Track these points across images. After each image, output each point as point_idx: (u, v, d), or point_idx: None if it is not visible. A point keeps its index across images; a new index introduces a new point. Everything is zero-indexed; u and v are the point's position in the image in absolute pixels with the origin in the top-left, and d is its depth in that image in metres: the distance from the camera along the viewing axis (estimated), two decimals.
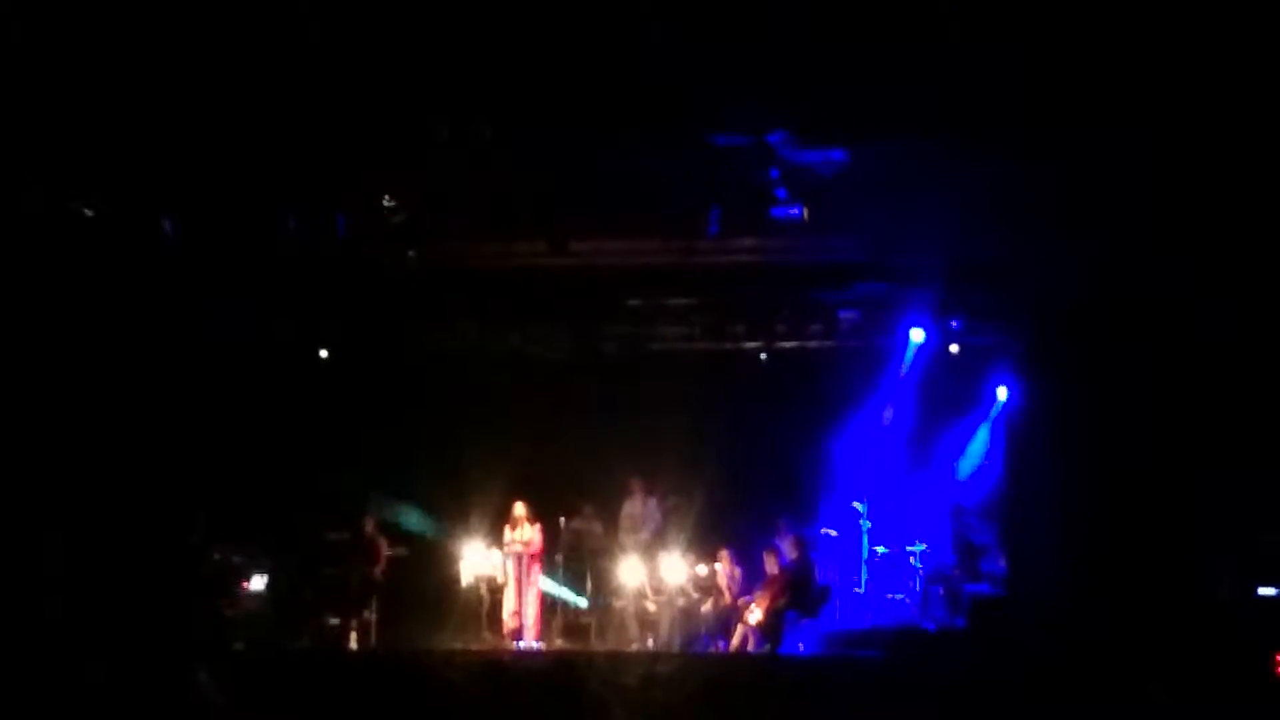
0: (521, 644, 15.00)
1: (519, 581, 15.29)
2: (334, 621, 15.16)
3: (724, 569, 15.55)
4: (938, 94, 11.12)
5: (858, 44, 10.61)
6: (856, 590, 15.94)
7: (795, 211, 12.98)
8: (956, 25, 10.11)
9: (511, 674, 12.02)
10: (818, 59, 10.73)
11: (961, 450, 16.76)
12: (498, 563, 15.41)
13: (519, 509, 15.47)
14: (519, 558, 15.30)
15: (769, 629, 14.30)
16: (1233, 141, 11.31)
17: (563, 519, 16.05)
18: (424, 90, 11.38)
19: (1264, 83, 10.64)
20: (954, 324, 15.83)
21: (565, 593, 15.83)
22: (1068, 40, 10.42)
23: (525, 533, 15.38)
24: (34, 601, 12.28)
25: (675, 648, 15.02)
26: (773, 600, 14.43)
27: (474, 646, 14.81)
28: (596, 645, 15.22)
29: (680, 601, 15.53)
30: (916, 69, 10.80)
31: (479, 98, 11.53)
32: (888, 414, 16.72)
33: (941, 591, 14.80)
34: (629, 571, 15.64)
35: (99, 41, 10.75)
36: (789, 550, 14.94)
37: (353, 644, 14.83)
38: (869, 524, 16.08)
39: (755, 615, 14.52)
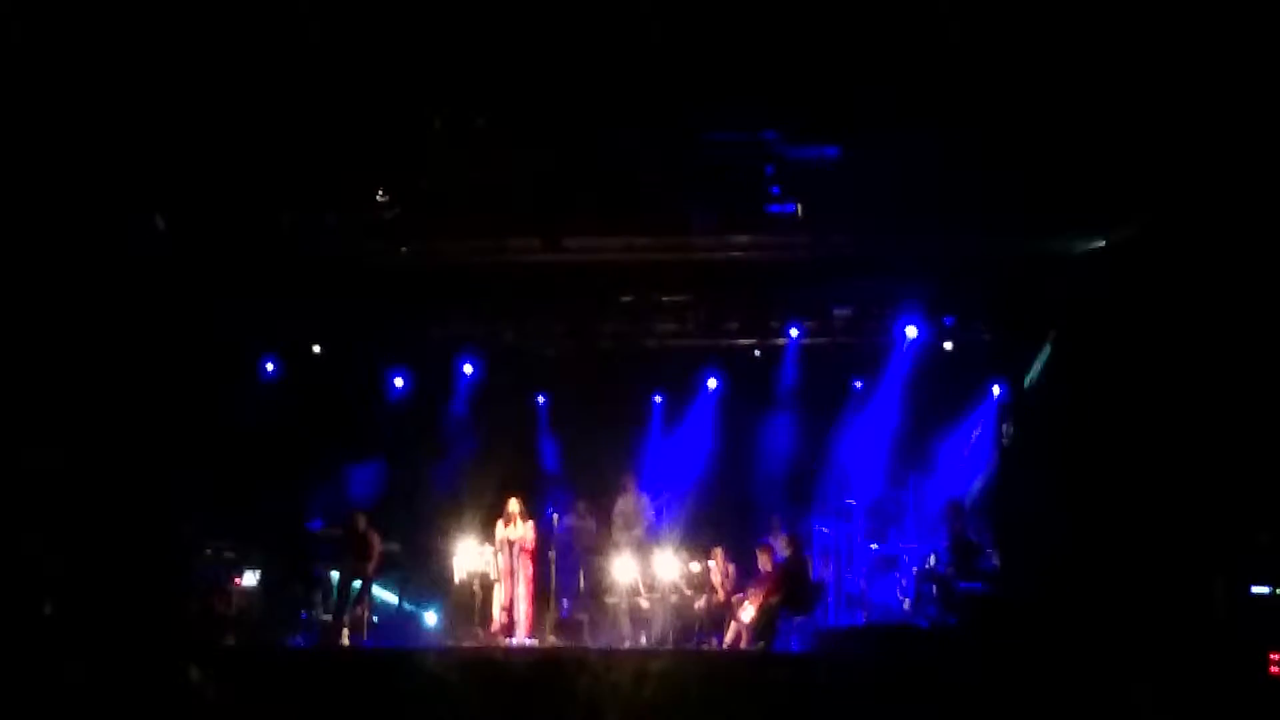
0: (514, 641, 14.97)
1: (510, 578, 15.26)
2: (326, 618, 15.15)
3: (717, 566, 15.54)
4: (932, 91, 11.12)
5: (851, 41, 10.61)
6: (850, 588, 15.91)
7: (790, 208, 12.97)
8: (953, 24, 10.11)
9: (504, 671, 12.00)
10: (812, 56, 10.73)
11: (956, 448, 16.75)
12: (490, 559, 15.37)
13: (513, 505, 15.45)
14: (512, 554, 15.27)
15: (762, 626, 14.29)
16: (1237, 143, 11.32)
17: (556, 515, 16.04)
18: (419, 85, 11.37)
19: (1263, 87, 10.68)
20: (947, 321, 15.84)
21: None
22: (1064, 39, 10.42)
23: (519, 529, 15.36)
24: (27, 600, 12.26)
25: (668, 644, 15.00)
26: (766, 597, 14.42)
27: (466, 643, 14.79)
28: (589, 642, 15.20)
29: (673, 598, 15.51)
30: (910, 66, 10.79)
31: (475, 95, 11.52)
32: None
33: (935, 589, 14.75)
34: (622, 568, 15.63)
35: (94, 38, 10.73)
36: (782, 547, 14.95)
37: (345, 640, 14.79)
38: (863, 521, 16.06)
39: (748, 612, 14.52)
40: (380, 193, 13.08)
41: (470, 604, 15.37)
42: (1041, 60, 10.81)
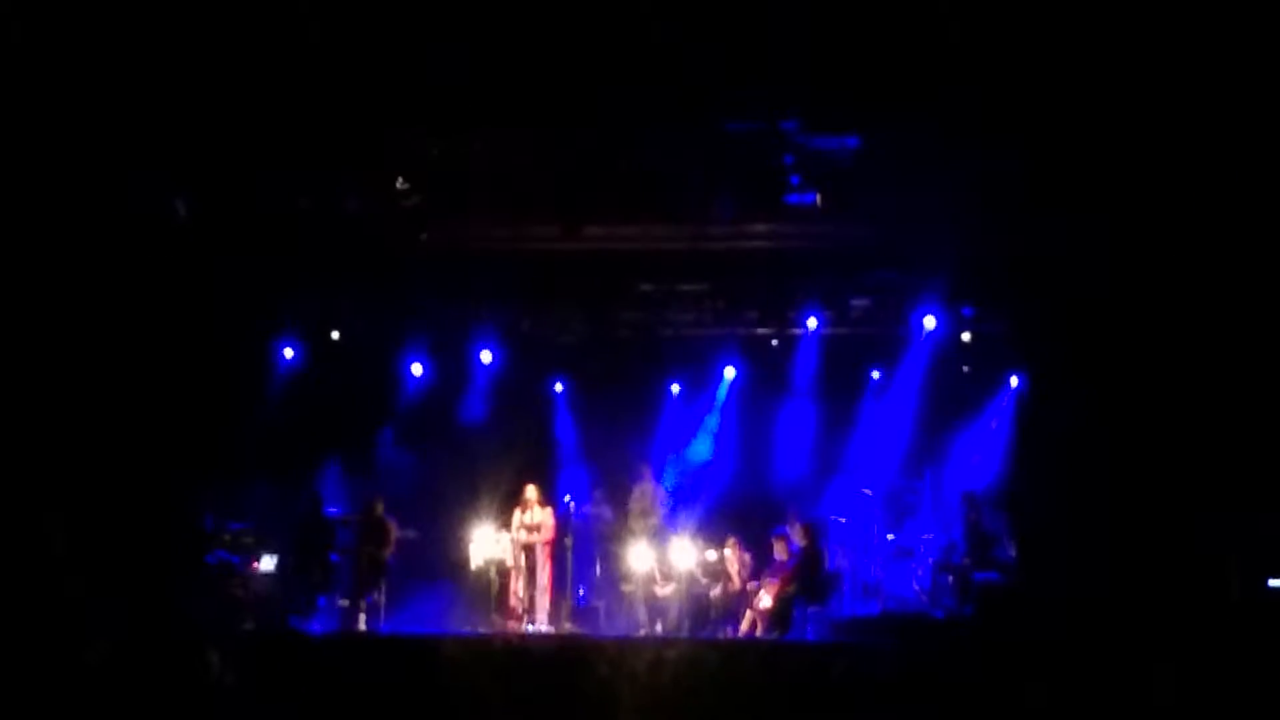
0: (531, 627, 15.01)
1: (529, 565, 15.30)
2: (344, 603, 15.21)
3: (733, 555, 15.57)
4: (951, 80, 11.10)
5: (871, 30, 10.60)
6: (866, 578, 15.92)
7: (809, 198, 12.97)
8: (958, 22, 10.13)
9: (520, 658, 12.03)
10: (831, 45, 10.72)
11: (973, 438, 16.74)
12: (507, 546, 15.41)
13: (530, 492, 15.49)
14: (529, 541, 15.30)
15: (778, 616, 14.31)
16: (1245, 143, 11.29)
17: (573, 503, 16.07)
18: (424, 89, 11.43)
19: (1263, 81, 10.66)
20: (966, 312, 15.81)
21: None
22: (1079, 34, 10.41)
23: (536, 516, 15.39)
24: (43, 585, 12.32)
25: (684, 633, 15.03)
26: (782, 587, 14.43)
27: (483, 630, 14.83)
28: (605, 630, 15.24)
29: (689, 587, 15.53)
30: (929, 56, 10.78)
31: (497, 83, 11.53)
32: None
33: (951, 579, 14.76)
34: (638, 557, 15.65)
35: (123, 23, 10.79)
36: (798, 537, 14.95)
37: (362, 625, 14.85)
38: (879, 511, 16.06)
39: (764, 602, 14.54)
40: (400, 179, 13.12)
41: (487, 590, 15.41)
42: (1060, 52, 10.79)
